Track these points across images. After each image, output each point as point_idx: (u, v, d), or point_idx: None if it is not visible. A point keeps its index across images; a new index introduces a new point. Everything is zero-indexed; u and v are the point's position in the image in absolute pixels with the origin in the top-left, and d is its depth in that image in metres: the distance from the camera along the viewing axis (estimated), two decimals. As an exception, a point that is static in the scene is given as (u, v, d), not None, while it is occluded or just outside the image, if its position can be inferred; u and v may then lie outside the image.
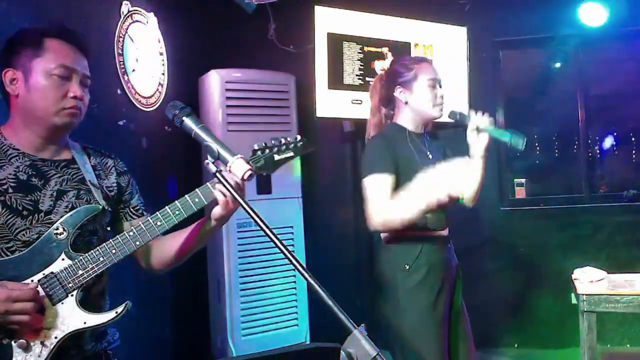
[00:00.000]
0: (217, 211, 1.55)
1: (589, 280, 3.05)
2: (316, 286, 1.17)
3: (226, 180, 1.40)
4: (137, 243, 1.52)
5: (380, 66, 4.03)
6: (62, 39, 1.56)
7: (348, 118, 4.11)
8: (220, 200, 1.52)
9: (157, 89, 3.48)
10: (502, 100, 4.63)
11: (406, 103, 2.36)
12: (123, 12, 3.19)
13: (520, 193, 4.67)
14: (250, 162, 1.50)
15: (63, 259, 1.49)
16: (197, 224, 1.65)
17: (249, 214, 1.29)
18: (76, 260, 1.49)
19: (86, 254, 1.50)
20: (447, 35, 4.27)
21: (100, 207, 1.58)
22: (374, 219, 2.20)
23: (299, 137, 1.58)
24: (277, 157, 1.55)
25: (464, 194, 2.34)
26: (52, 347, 1.45)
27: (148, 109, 3.37)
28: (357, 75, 3.96)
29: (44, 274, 1.47)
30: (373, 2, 4.05)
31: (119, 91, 3.12)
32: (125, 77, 3.17)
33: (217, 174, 1.41)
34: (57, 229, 1.50)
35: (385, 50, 4.06)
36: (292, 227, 3.93)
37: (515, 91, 4.73)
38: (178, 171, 3.60)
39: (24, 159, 1.55)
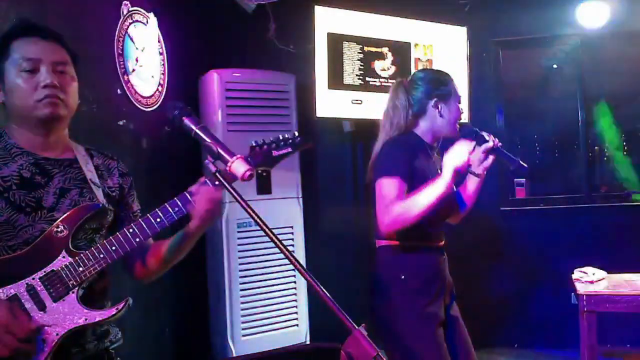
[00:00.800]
0: (192, 224, 1.58)
1: (589, 280, 3.05)
2: (316, 286, 1.17)
3: (226, 180, 1.41)
4: (137, 240, 1.53)
5: (380, 66, 4.03)
6: (28, 35, 1.57)
7: (348, 118, 4.11)
8: (196, 211, 1.54)
9: (157, 89, 3.48)
10: (502, 100, 4.63)
11: (441, 116, 2.34)
12: (123, 12, 3.19)
13: (520, 193, 4.67)
14: (249, 158, 1.52)
15: (64, 257, 1.50)
16: (184, 229, 1.65)
17: (249, 213, 1.29)
18: (77, 258, 1.50)
19: (87, 252, 1.51)
20: (447, 35, 4.27)
21: (101, 205, 1.59)
22: (384, 223, 2.16)
23: (296, 134, 1.59)
24: (275, 153, 1.56)
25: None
26: (53, 343, 1.45)
27: (148, 109, 3.37)
28: (357, 75, 3.96)
29: (45, 272, 1.48)
30: (373, 2, 4.05)
31: (119, 91, 3.12)
32: (125, 77, 3.17)
33: (217, 174, 1.41)
34: (58, 227, 1.51)
35: (385, 50, 4.06)
36: (292, 227, 3.93)
37: (515, 91, 4.73)
38: (178, 171, 3.59)
39: (27, 158, 1.56)
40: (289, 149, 1.57)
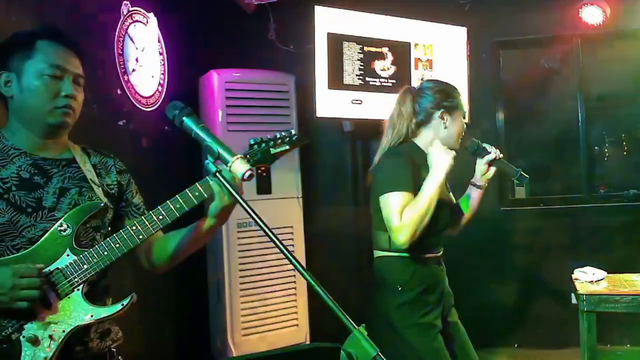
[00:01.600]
0: (214, 206, 1.56)
1: (589, 280, 3.05)
2: (316, 286, 1.17)
3: (226, 180, 1.41)
4: (141, 237, 1.54)
5: (380, 66, 4.03)
6: (53, 39, 1.58)
7: (348, 118, 4.11)
8: (217, 193, 1.53)
9: (157, 89, 3.48)
10: (502, 100, 4.63)
11: (445, 128, 2.33)
12: (123, 12, 3.19)
13: (520, 193, 4.67)
14: (248, 155, 1.53)
15: (68, 255, 1.51)
16: (196, 223, 1.66)
17: (248, 213, 1.30)
18: (81, 256, 1.52)
19: (90, 249, 1.52)
20: (447, 35, 4.27)
21: (102, 203, 1.60)
22: (400, 238, 2.13)
23: (293, 131, 1.60)
24: (273, 150, 1.56)
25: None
26: (60, 340, 1.47)
27: (148, 109, 3.37)
28: (357, 75, 3.96)
29: (49, 270, 1.50)
30: (373, 2, 4.05)
31: (119, 91, 3.12)
32: (125, 77, 3.17)
33: (217, 174, 1.41)
34: (61, 225, 1.52)
35: (385, 50, 4.06)
36: (292, 227, 3.93)
37: (515, 91, 4.73)
38: (178, 171, 3.59)
39: (25, 158, 1.57)
40: (287, 146, 1.58)
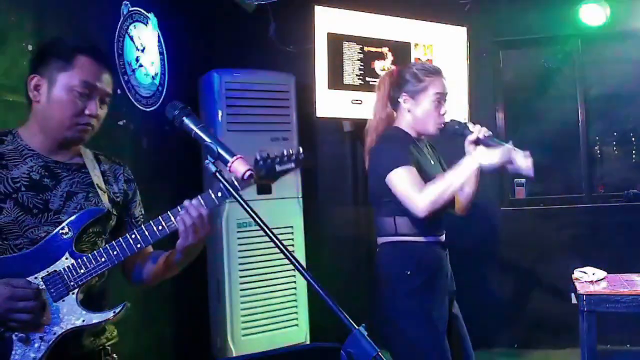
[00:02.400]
0: (179, 243, 1.57)
1: (589, 280, 3.05)
2: (316, 286, 1.17)
3: (226, 180, 1.42)
4: (139, 246, 1.55)
5: (380, 66, 4.03)
6: (92, 56, 1.60)
7: (348, 118, 4.11)
8: (180, 232, 1.54)
9: (157, 89, 3.48)
10: (502, 100, 4.63)
11: (408, 111, 2.34)
12: (123, 12, 3.19)
13: (520, 193, 4.67)
14: (252, 172, 1.52)
15: (67, 258, 1.52)
16: (170, 252, 1.66)
17: (248, 213, 1.30)
18: (79, 260, 1.53)
19: (89, 255, 1.54)
20: (447, 35, 4.27)
21: (106, 209, 1.62)
22: (419, 204, 2.15)
23: (301, 149, 1.59)
24: (278, 168, 1.55)
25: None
26: (50, 342, 1.48)
27: (148, 109, 3.37)
28: (357, 75, 3.96)
29: (47, 272, 1.51)
30: (373, 2, 4.05)
31: (119, 91, 3.12)
32: (125, 77, 3.17)
33: (217, 174, 1.41)
34: (63, 229, 1.54)
35: (385, 50, 4.06)
36: (292, 227, 3.93)
37: (515, 91, 4.73)
38: (178, 171, 3.59)
39: (37, 160, 1.59)
40: (292, 165, 1.56)
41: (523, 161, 2.21)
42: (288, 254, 1.23)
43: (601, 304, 2.85)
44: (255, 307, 3.75)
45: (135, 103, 3.25)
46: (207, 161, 1.43)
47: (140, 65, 3.32)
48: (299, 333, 3.90)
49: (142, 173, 3.24)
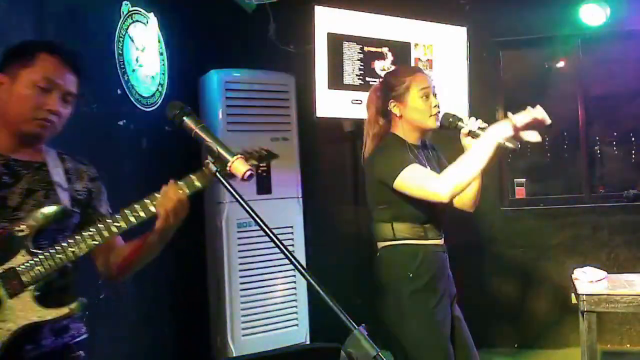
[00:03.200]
0: (157, 223, 1.58)
1: (589, 280, 3.05)
2: (316, 286, 1.17)
3: (226, 180, 1.41)
4: (95, 242, 1.55)
5: (380, 66, 4.03)
6: (55, 54, 1.61)
7: (348, 118, 4.11)
8: (160, 213, 1.55)
9: (157, 89, 3.48)
10: (502, 100, 4.63)
11: (400, 117, 2.33)
12: (123, 12, 3.19)
13: (520, 193, 4.67)
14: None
15: (23, 255, 1.53)
16: (144, 235, 1.66)
17: (248, 213, 1.30)
18: (35, 257, 1.53)
19: (46, 252, 1.54)
20: (447, 35, 4.27)
21: (62, 207, 1.60)
22: (441, 189, 2.10)
23: (264, 147, 1.59)
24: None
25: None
26: (4, 339, 1.48)
27: (148, 109, 3.37)
28: (357, 75, 3.96)
29: (3, 268, 1.51)
30: (373, 2, 4.05)
31: (119, 91, 3.12)
32: (125, 77, 3.17)
33: (217, 174, 1.41)
34: (20, 226, 1.54)
35: (385, 50, 4.06)
36: (292, 227, 3.93)
37: (515, 91, 4.73)
38: (178, 171, 3.59)
39: None
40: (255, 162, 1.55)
41: (527, 117, 2.14)
42: (288, 254, 1.23)
43: (601, 304, 2.85)
44: (255, 307, 3.75)
45: (135, 103, 3.25)
46: (207, 161, 1.43)
47: (140, 65, 3.32)
48: (299, 333, 3.90)
49: (142, 173, 3.26)
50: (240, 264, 3.72)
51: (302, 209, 4.00)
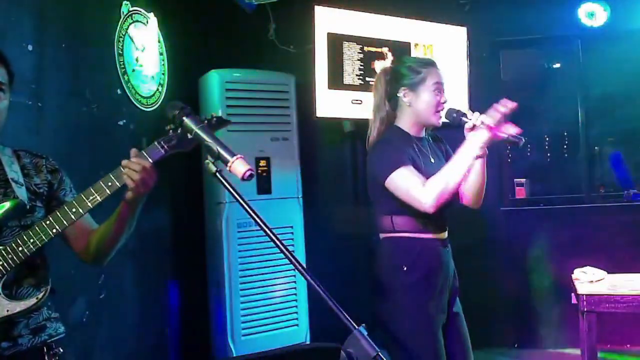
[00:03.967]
0: (127, 194, 1.59)
1: (589, 280, 3.05)
2: (316, 286, 1.17)
3: (226, 180, 1.41)
4: (54, 230, 1.55)
5: (380, 66, 4.03)
6: None
7: (348, 118, 4.11)
8: (129, 184, 1.54)
9: (157, 89, 3.48)
10: (502, 100, 4.62)
11: (409, 105, 2.34)
12: (123, 12, 3.19)
13: (520, 193, 4.67)
14: (162, 142, 1.55)
15: None
16: (116, 212, 1.67)
17: (248, 213, 1.29)
18: None
19: (6, 246, 1.54)
20: (447, 35, 4.27)
21: (17, 201, 1.60)
22: (425, 200, 2.14)
23: (214, 114, 1.58)
24: (190, 136, 1.50)
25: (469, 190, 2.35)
26: None
27: (148, 109, 3.37)
28: (357, 75, 3.96)
29: None
30: (373, 2, 4.05)
31: (119, 91, 3.12)
32: (125, 77, 3.17)
33: (217, 174, 1.41)
34: None
35: (385, 50, 4.06)
36: (292, 227, 3.93)
37: (515, 91, 4.73)
38: (178, 171, 3.59)
39: None
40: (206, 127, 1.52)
41: (494, 116, 2.17)
42: (288, 254, 1.22)
43: (601, 304, 2.84)
44: (255, 307, 3.75)
45: (135, 103, 3.25)
46: (207, 161, 1.43)
47: (140, 65, 3.32)
48: (299, 333, 3.90)
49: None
50: (240, 264, 3.72)
51: (302, 209, 4.00)
